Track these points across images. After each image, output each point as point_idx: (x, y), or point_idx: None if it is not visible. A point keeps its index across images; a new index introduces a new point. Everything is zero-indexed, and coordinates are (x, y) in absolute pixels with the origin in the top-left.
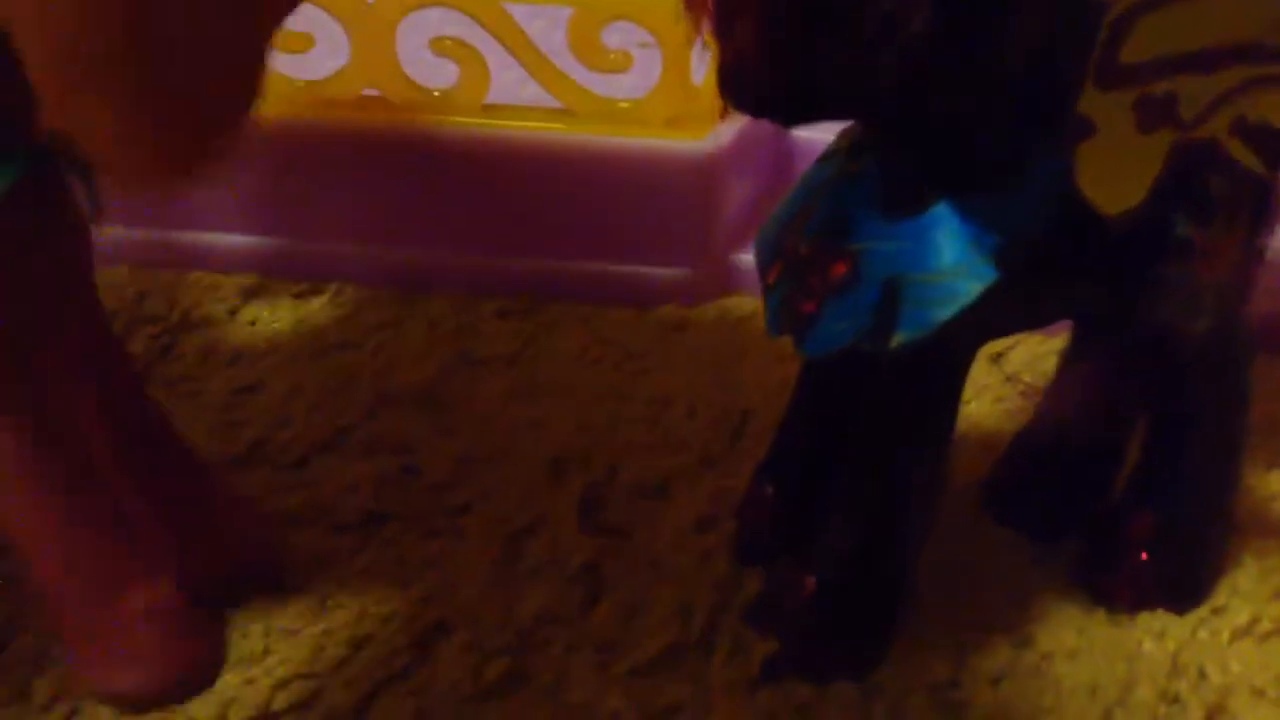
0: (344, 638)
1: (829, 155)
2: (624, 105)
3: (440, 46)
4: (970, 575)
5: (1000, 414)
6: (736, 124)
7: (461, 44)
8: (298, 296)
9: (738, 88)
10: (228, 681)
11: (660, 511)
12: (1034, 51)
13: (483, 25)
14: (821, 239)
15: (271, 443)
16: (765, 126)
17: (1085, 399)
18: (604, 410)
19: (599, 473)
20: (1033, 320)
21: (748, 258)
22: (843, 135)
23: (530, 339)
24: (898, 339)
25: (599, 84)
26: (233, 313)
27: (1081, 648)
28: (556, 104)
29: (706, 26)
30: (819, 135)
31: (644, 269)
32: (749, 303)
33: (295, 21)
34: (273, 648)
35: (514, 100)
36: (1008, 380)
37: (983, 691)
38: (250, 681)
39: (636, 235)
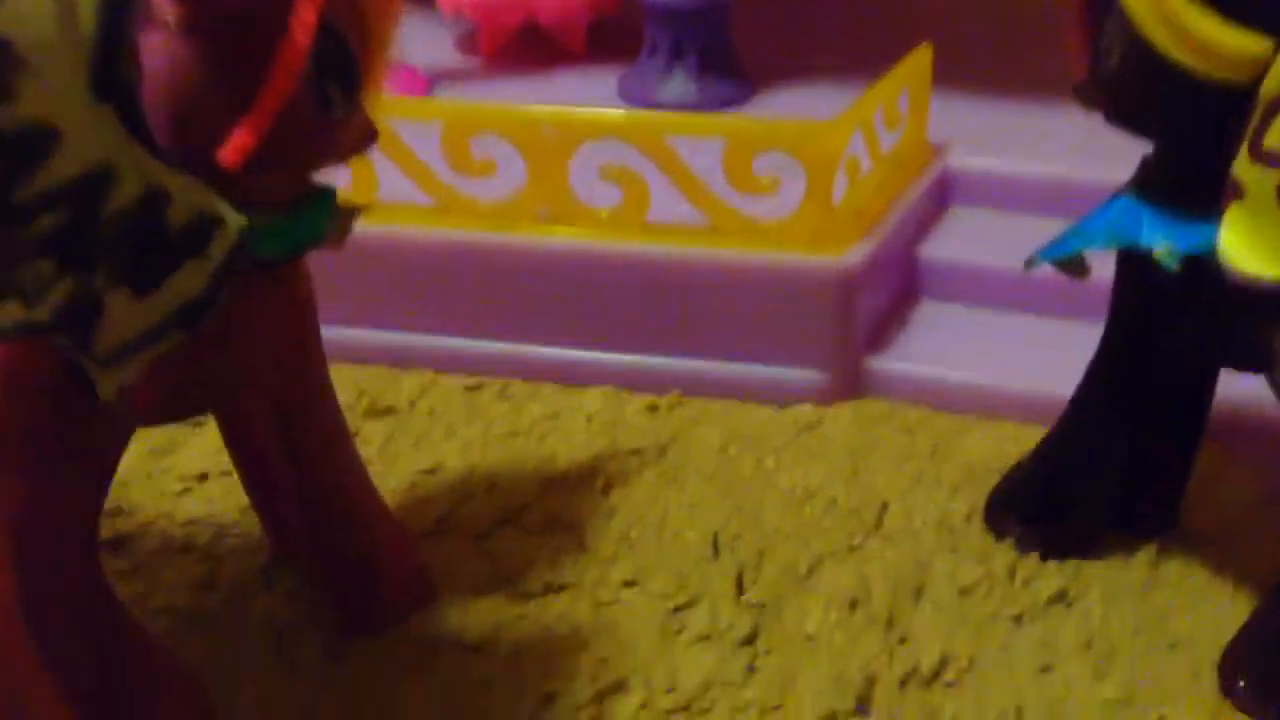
0: (537, 691)
1: None
2: (768, 226)
3: (607, 173)
4: None
5: None
6: (870, 243)
7: (627, 171)
8: (468, 390)
9: None
10: None
11: (811, 591)
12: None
13: (647, 156)
14: None
15: (456, 516)
16: (897, 245)
17: None
18: (750, 498)
19: (750, 554)
20: None
21: (879, 363)
22: None
23: (677, 432)
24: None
25: (746, 205)
26: (412, 403)
27: None
28: (706, 223)
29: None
30: (946, 254)
31: (782, 372)
32: (880, 405)
33: (481, 151)
34: (474, 698)
35: (668, 219)
36: None
37: None
38: None
39: (775, 342)
